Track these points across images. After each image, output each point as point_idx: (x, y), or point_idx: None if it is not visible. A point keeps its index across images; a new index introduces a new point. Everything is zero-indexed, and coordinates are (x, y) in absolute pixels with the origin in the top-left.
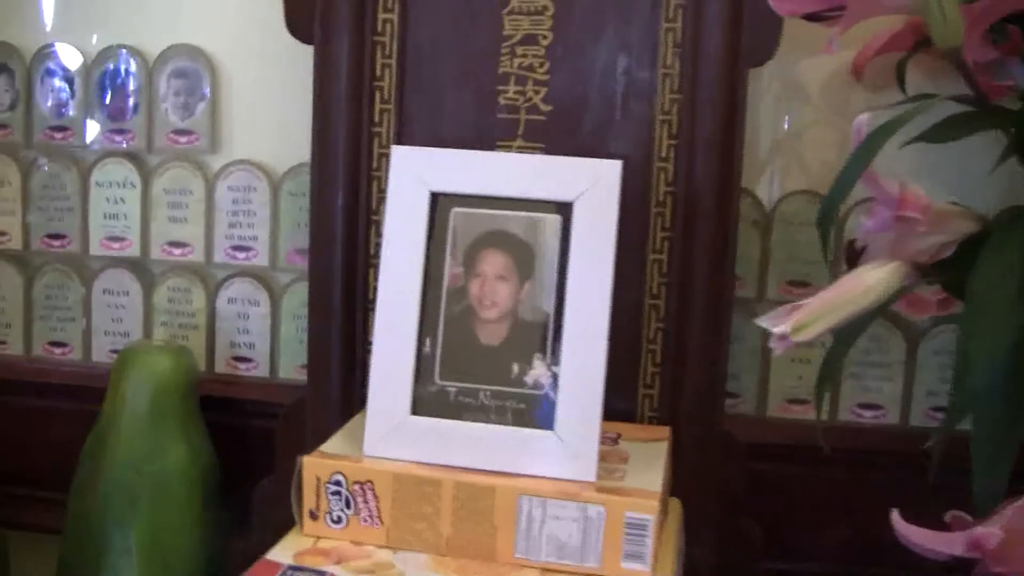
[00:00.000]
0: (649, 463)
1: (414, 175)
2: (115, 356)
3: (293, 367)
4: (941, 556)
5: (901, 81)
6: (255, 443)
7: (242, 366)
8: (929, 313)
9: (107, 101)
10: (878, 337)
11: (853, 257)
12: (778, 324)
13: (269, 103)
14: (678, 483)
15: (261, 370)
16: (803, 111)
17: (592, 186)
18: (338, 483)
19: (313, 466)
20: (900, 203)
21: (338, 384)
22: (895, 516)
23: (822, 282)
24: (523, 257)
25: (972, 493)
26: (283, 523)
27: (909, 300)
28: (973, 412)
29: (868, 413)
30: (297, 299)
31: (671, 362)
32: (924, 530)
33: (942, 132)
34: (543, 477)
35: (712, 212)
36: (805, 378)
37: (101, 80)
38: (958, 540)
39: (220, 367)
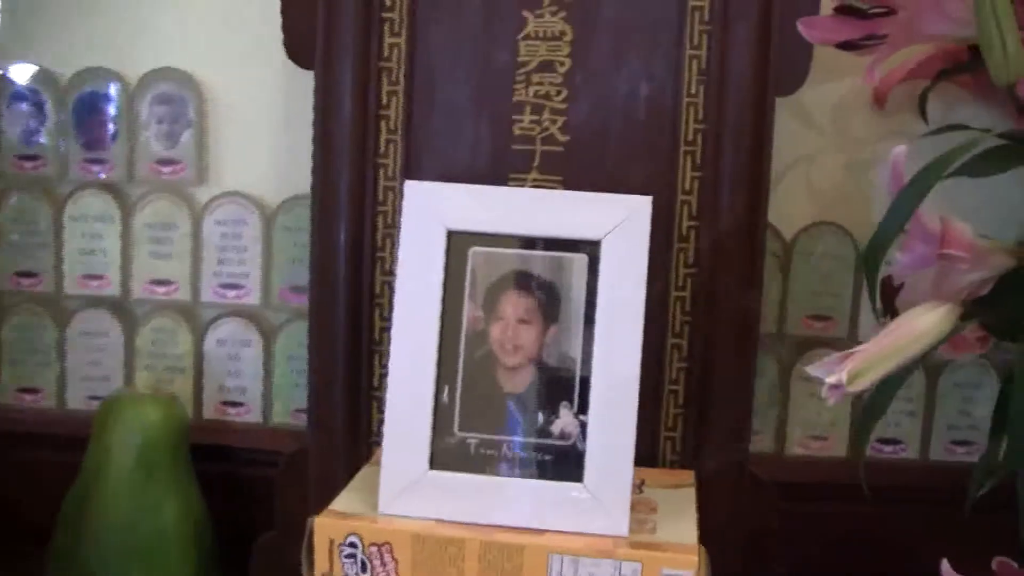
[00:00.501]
0: (679, 512)
1: (429, 212)
2: (93, 403)
3: (288, 412)
4: None
5: (923, 111)
6: (249, 494)
7: (232, 411)
8: (972, 352)
9: (83, 128)
10: None
11: (890, 295)
12: (831, 373)
13: (261, 131)
14: (702, 528)
15: (253, 415)
16: (808, 138)
17: (621, 224)
18: (353, 545)
19: (325, 527)
20: (944, 240)
21: (343, 433)
22: (945, 567)
23: (843, 316)
24: (547, 299)
25: (1017, 536)
26: None
27: (952, 341)
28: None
29: (888, 448)
30: (292, 340)
31: (695, 403)
32: None
33: (983, 166)
34: (571, 533)
35: (738, 247)
36: (825, 414)
37: (77, 105)
38: None
39: (208, 413)
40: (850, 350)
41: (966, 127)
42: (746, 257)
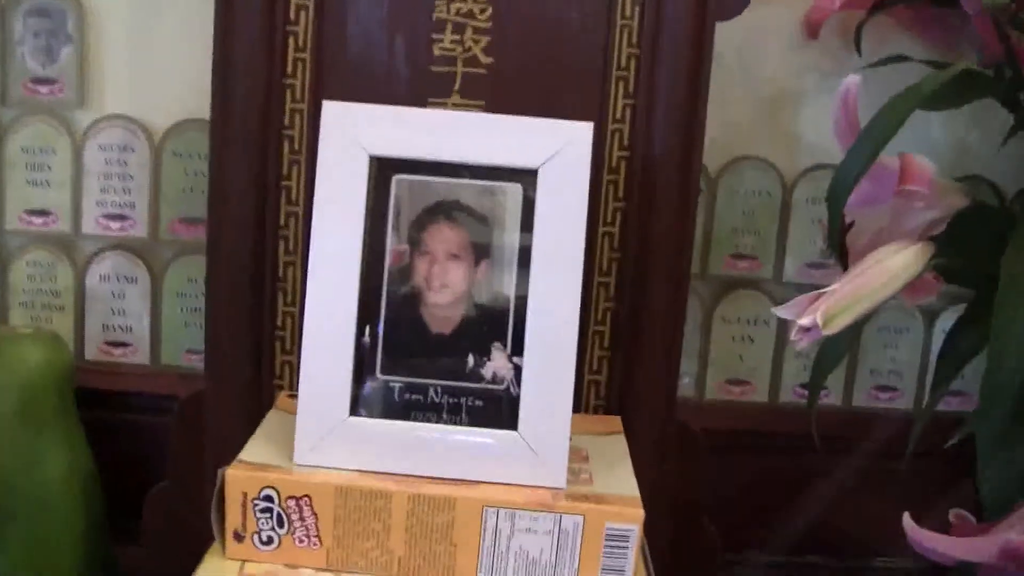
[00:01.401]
0: (613, 462)
1: (350, 136)
2: None
3: (178, 352)
4: (947, 560)
5: (858, 44)
6: (138, 442)
7: (117, 351)
8: (931, 296)
9: None
10: None
11: (840, 233)
12: (802, 315)
13: (150, 48)
14: None
15: (140, 356)
16: (714, 70)
17: (560, 151)
18: (269, 499)
19: (238, 480)
20: (904, 175)
21: (244, 375)
22: (907, 520)
23: (768, 256)
24: (478, 232)
25: (948, 484)
26: (179, 536)
27: (911, 286)
28: (993, 410)
29: None
30: (181, 275)
31: (622, 345)
32: (943, 536)
33: (944, 98)
34: (505, 484)
35: (672, 180)
36: (747, 359)
37: None
38: (989, 547)
39: (91, 354)
40: (819, 291)
41: (908, 58)
42: (680, 191)
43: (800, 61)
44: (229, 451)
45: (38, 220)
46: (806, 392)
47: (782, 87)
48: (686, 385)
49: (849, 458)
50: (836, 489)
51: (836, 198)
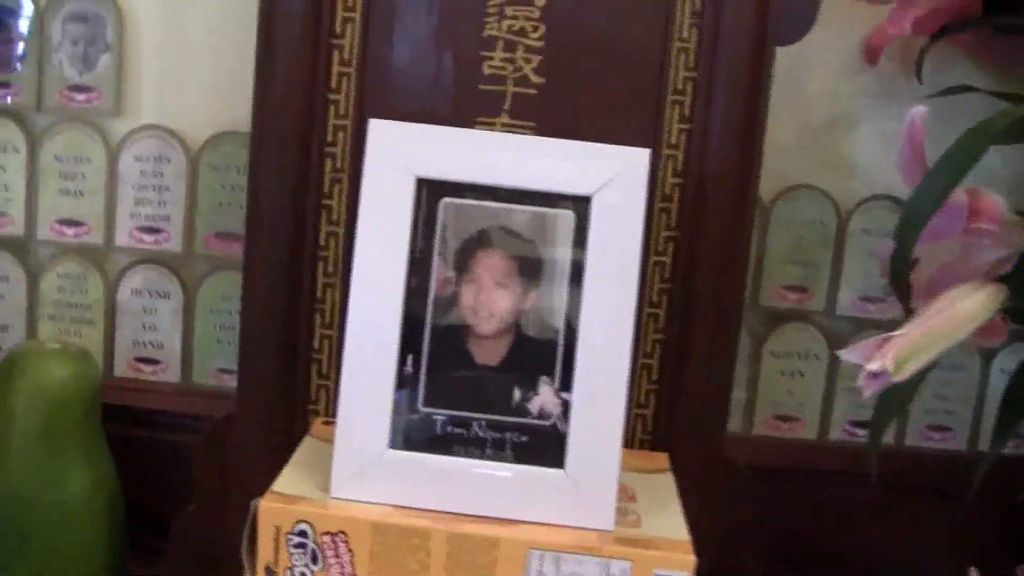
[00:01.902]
0: (662, 502)
1: (397, 157)
2: None
3: (209, 371)
4: None
5: (919, 71)
6: (165, 463)
7: (148, 368)
8: (999, 339)
9: None
10: None
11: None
12: (871, 359)
13: (189, 57)
14: None
15: (171, 374)
16: None
17: (615, 178)
18: (303, 534)
19: (272, 513)
20: (973, 213)
21: (276, 398)
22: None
23: (820, 288)
24: (528, 260)
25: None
26: (204, 562)
27: (982, 327)
28: None
29: (862, 432)
30: (216, 291)
31: (670, 379)
32: None
33: (1020, 134)
34: (550, 525)
35: (727, 209)
36: (796, 394)
37: None
38: None
39: (120, 370)
40: (888, 334)
41: (975, 89)
42: (736, 220)
43: (856, 86)
44: (259, 476)
45: (70, 231)
46: (857, 430)
47: (837, 113)
48: (732, 419)
49: (900, 499)
50: (886, 530)
51: (905, 237)
